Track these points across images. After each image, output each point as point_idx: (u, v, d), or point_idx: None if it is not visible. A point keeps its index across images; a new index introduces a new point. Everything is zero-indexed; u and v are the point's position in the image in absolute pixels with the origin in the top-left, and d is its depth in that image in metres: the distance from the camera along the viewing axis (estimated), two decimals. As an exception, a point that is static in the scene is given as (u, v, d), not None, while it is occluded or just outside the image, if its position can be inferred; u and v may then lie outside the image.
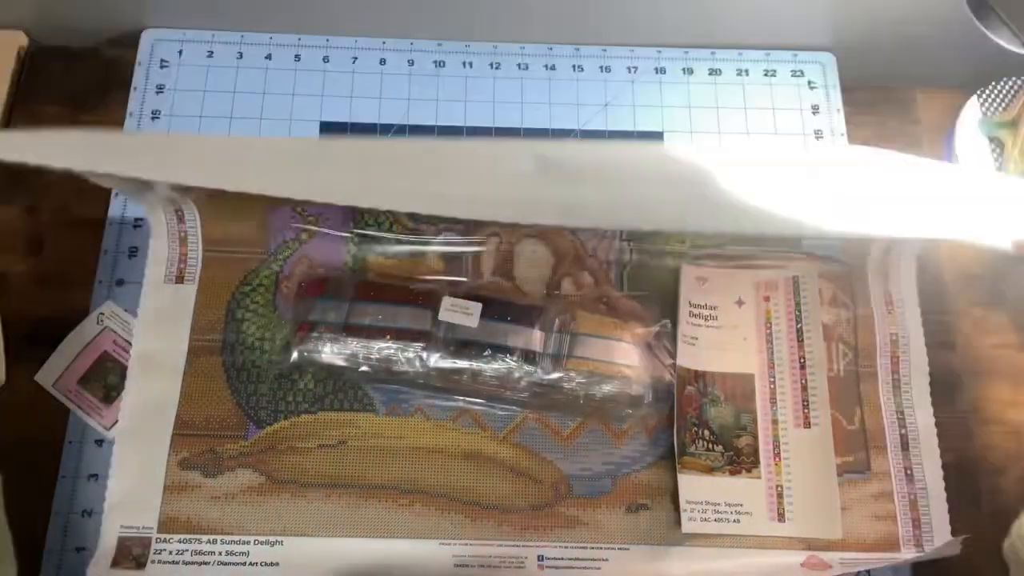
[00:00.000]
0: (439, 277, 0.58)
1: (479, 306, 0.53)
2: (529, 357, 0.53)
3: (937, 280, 0.61)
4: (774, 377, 0.56)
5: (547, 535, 0.53)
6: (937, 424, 0.56)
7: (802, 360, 0.56)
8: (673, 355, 0.57)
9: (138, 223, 0.57)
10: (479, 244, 0.59)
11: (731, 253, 0.61)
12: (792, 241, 0.61)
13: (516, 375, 0.52)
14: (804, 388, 0.55)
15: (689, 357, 0.56)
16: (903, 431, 0.57)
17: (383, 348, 0.52)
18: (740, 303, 0.58)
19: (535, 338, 0.53)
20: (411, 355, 0.52)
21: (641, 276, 0.60)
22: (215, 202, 0.55)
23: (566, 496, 0.54)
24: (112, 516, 0.51)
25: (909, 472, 0.56)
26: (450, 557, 0.52)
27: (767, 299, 0.58)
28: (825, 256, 0.62)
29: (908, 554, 0.53)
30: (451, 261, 0.59)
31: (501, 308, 0.54)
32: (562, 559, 0.52)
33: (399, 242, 0.59)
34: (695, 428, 0.55)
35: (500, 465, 0.54)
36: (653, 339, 0.56)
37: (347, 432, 0.54)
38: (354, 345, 0.52)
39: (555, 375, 0.53)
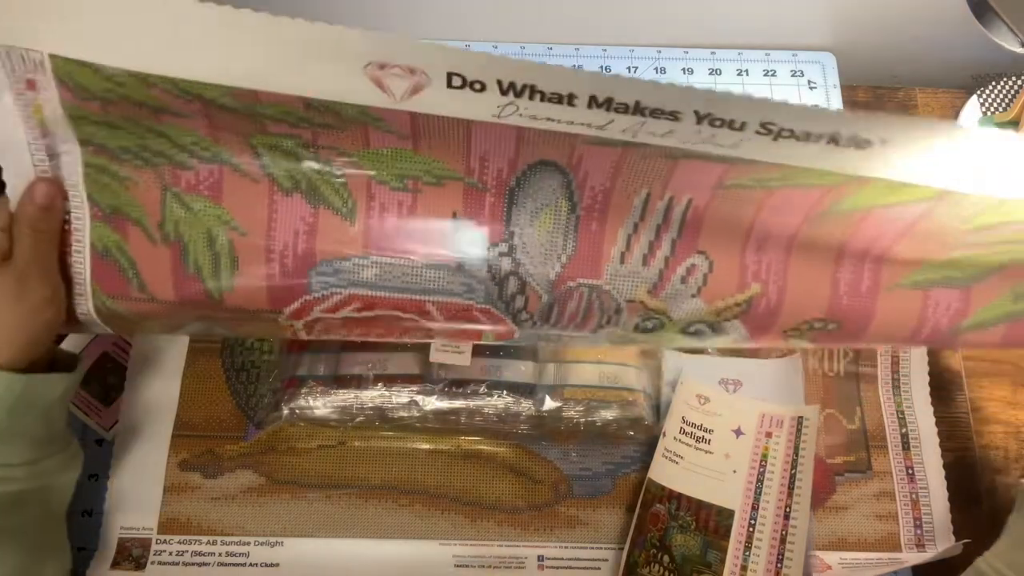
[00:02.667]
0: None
1: (470, 343, 0.52)
2: (525, 390, 0.52)
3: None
4: (755, 520, 0.52)
5: (547, 535, 0.53)
6: (937, 424, 0.56)
7: (787, 510, 0.52)
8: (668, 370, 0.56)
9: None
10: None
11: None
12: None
13: (514, 409, 0.51)
14: (783, 540, 0.51)
15: (667, 474, 0.53)
16: (904, 430, 0.57)
17: (375, 397, 0.51)
18: (739, 433, 0.55)
19: (530, 370, 0.52)
20: (405, 400, 0.51)
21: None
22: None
23: (566, 496, 0.54)
24: (112, 516, 0.51)
25: (910, 471, 0.56)
26: (450, 557, 0.52)
27: (769, 435, 0.54)
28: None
29: (910, 555, 0.53)
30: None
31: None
32: (562, 559, 0.52)
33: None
34: (654, 550, 0.51)
35: (500, 465, 0.54)
36: (647, 357, 0.55)
37: (347, 433, 0.54)
38: (346, 396, 0.51)
39: (553, 405, 0.52)
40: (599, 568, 0.52)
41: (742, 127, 0.32)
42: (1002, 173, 0.34)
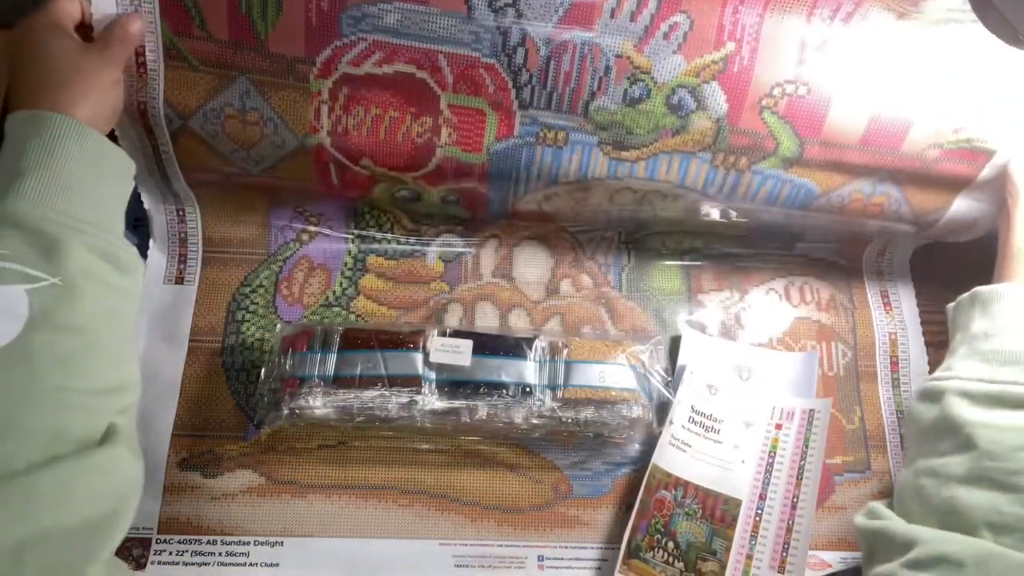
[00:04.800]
0: (437, 281, 0.59)
1: (470, 343, 0.52)
2: (525, 390, 0.51)
3: (936, 280, 0.61)
4: (762, 509, 0.52)
5: (547, 535, 0.53)
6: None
7: (795, 500, 0.52)
8: (668, 371, 0.56)
9: (138, 223, 0.57)
10: (479, 245, 0.59)
11: (724, 252, 0.61)
12: (787, 244, 0.61)
13: (514, 409, 0.51)
14: (789, 530, 0.51)
15: (674, 462, 0.53)
16: (903, 431, 0.57)
17: (375, 397, 0.50)
18: (749, 424, 0.55)
19: (529, 370, 0.52)
20: (405, 400, 0.51)
21: (640, 277, 0.60)
22: (218, 200, 0.55)
23: (566, 496, 0.54)
24: (112, 516, 0.51)
25: (909, 471, 0.56)
26: (450, 557, 0.52)
27: (779, 427, 0.54)
28: (821, 258, 0.62)
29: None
30: (450, 262, 0.59)
31: (492, 343, 0.52)
32: (562, 559, 0.52)
33: (399, 243, 0.59)
34: (658, 535, 0.51)
35: (500, 465, 0.54)
36: (647, 357, 0.54)
37: (347, 433, 0.54)
38: (346, 396, 0.50)
39: (553, 405, 0.51)
40: (599, 568, 0.52)
41: None
42: None
